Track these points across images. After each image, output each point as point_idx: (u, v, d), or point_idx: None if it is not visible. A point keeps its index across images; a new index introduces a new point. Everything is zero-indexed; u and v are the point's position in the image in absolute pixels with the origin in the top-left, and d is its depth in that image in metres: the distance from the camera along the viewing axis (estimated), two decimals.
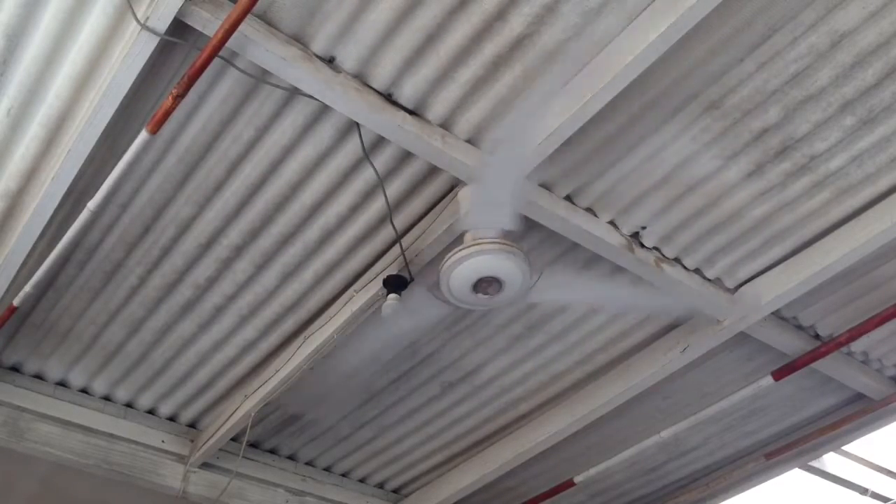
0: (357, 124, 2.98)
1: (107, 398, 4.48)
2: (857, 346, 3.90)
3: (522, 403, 4.41)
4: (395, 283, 3.24)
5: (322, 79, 2.76)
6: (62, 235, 3.24)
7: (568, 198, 3.25)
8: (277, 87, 2.87)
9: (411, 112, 2.94)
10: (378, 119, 2.87)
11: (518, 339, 3.99)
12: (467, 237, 2.84)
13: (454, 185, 3.17)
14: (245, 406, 4.17)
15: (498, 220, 2.73)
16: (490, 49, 2.73)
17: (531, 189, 3.02)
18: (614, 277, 3.52)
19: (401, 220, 3.35)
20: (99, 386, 4.38)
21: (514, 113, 2.66)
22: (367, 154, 3.08)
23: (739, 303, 3.57)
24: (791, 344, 3.80)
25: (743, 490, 4.99)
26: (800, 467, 4.93)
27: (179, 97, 2.68)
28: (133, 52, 2.61)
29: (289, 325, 3.92)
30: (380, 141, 3.07)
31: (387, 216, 3.27)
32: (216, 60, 2.62)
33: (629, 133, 3.00)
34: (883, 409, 4.18)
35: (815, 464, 5.05)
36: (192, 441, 4.66)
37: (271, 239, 3.51)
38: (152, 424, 4.56)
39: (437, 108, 2.94)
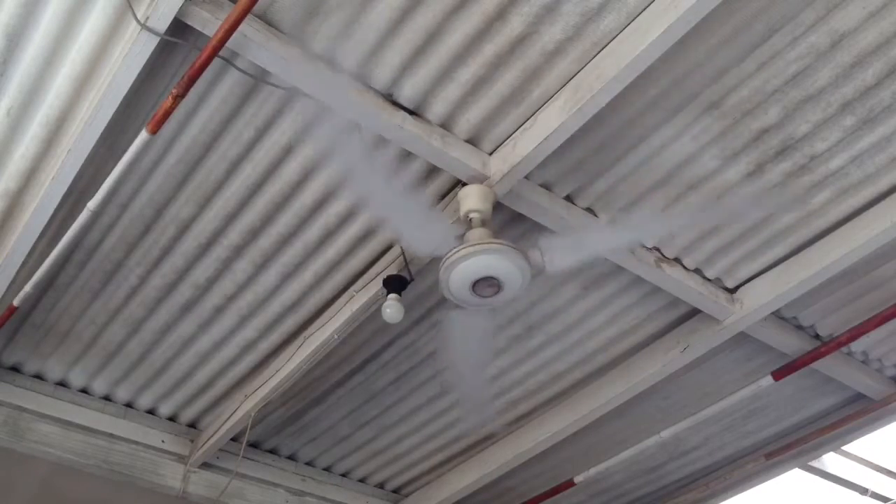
0: (357, 124, 2.98)
1: (107, 398, 4.48)
2: (857, 346, 3.90)
3: (522, 403, 4.41)
4: (395, 283, 3.24)
5: (322, 79, 2.76)
6: (62, 235, 3.24)
7: (568, 198, 3.25)
8: (277, 87, 2.87)
9: (411, 112, 2.94)
10: (378, 119, 2.87)
11: (518, 339, 3.99)
12: (468, 237, 2.84)
13: (454, 185, 3.17)
14: (245, 406, 4.17)
15: (560, 262, 2.80)
16: (490, 49, 2.73)
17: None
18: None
19: None
20: (99, 386, 4.38)
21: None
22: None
23: (739, 303, 3.57)
24: (791, 344, 3.80)
25: (743, 490, 4.99)
26: (800, 467, 4.93)
27: (179, 97, 2.67)
28: (133, 52, 2.60)
29: (289, 325, 3.92)
30: (380, 141, 3.06)
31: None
32: (216, 60, 2.62)
33: (629, 133, 3.00)
34: (883, 409, 4.18)
35: (815, 464, 5.05)
36: (192, 441, 4.66)
37: (271, 239, 3.51)
38: (152, 424, 4.56)
39: (437, 108, 2.94)
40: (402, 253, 3.30)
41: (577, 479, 4.67)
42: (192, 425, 4.67)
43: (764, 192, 3.12)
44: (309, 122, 3.03)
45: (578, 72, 2.76)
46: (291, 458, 4.93)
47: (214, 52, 2.56)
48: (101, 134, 2.86)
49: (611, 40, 2.66)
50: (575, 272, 3.59)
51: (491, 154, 3.07)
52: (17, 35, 2.73)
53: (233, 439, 4.48)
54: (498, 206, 3.06)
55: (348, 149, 2.69)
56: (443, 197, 3.25)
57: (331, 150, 2.81)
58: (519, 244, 2.78)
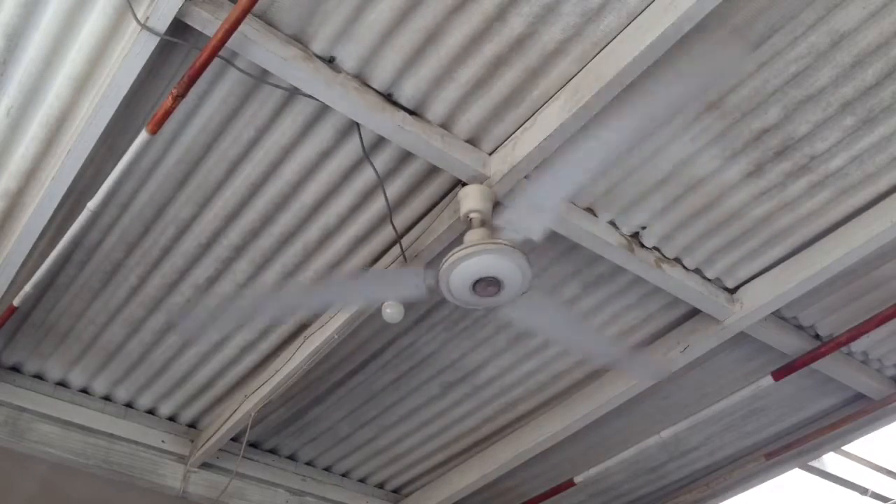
0: (357, 124, 2.98)
1: (107, 398, 4.48)
2: (857, 346, 3.90)
3: (522, 403, 4.41)
4: None
5: (322, 79, 2.76)
6: (62, 235, 3.24)
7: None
8: (277, 87, 2.87)
9: (411, 112, 2.94)
10: (378, 119, 2.88)
11: (518, 339, 3.99)
12: (468, 237, 2.84)
13: (454, 185, 3.17)
14: (245, 406, 4.17)
15: (532, 225, 2.72)
16: (490, 49, 2.73)
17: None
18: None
19: (401, 220, 3.35)
20: (99, 386, 4.38)
21: (592, 142, 2.60)
22: (367, 154, 3.08)
23: (739, 303, 3.57)
24: (791, 344, 3.80)
25: (743, 490, 4.99)
26: (800, 467, 4.93)
27: (179, 97, 2.67)
28: (133, 52, 2.60)
29: (289, 325, 3.92)
30: (380, 141, 3.07)
31: (387, 216, 3.27)
32: (216, 60, 2.62)
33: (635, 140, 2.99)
34: (883, 409, 4.18)
35: (815, 464, 5.05)
36: (192, 441, 4.66)
37: (271, 239, 3.51)
38: (152, 424, 4.56)
39: (437, 108, 2.94)
40: (402, 253, 3.30)
41: (577, 479, 4.67)
42: (192, 425, 4.67)
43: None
44: (309, 122, 3.04)
45: (578, 72, 2.76)
46: (291, 458, 4.93)
47: (214, 52, 2.56)
48: (101, 134, 2.86)
49: (611, 40, 2.65)
50: (575, 272, 3.60)
51: (491, 154, 3.07)
52: (17, 35, 2.73)
53: (233, 439, 4.49)
54: (498, 205, 3.06)
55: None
56: (443, 197, 3.26)
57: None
58: (519, 244, 2.77)
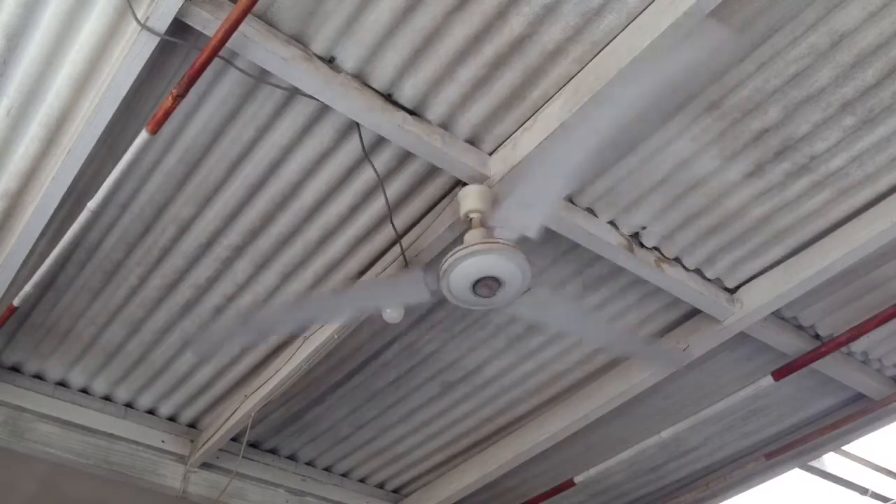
0: (357, 124, 2.98)
1: (107, 398, 4.48)
2: (857, 346, 3.90)
3: (522, 403, 4.41)
4: None
5: (322, 79, 2.76)
6: (62, 235, 3.24)
7: (568, 198, 3.25)
8: (277, 87, 2.87)
9: (411, 112, 2.94)
10: (378, 119, 2.87)
11: (518, 339, 3.99)
12: (468, 237, 2.84)
13: (454, 185, 3.18)
14: (245, 406, 4.17)
15: (525, 223, 2.70)
16: (490, 49, 2.73)
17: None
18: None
19: (401, 220, 3.35)
20: (99, 386, 4.38)
21: (584, 134, 2.55)
22: (367, 154, 3.08)
23: (739, 303, 3.57)
24: (791, 344, 3.80)
25: (743, 490, 4.99)
26: (800, 467, 4.94)
27: (179, 97, 2.67)
28: (133, 52, 2.60)
29: None
30: (380, 141, 3.07)
31: (387, 216, 3.27)
32: (216, 60, 2.62)
33: (629, 133, 3.00)
34: (883, 409, 4.18)
35: (815, 464, 5.05)
36: (192, 441, 4.66)
37: (271, 239, 3.51)
38: (152, 424, 4.56)
39: (437, 108, 2.94)
40: (403, 253, 3.30)
41: (577, 479, 4.67)
42: (192, 425, 4.67)
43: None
44: (309, 122, 3.04)
45: (578, 72, 2.76)
46: (291, 458, 4.93)
47: (214, 52, 2.55)
48: (101, 134, 2.86)
49: (611, 40, 2.65)
50: (575, 272, 3.60)
51: (491, 154, 3.07)
52: (17, 35, 2.73)
53: (233, 439, 4.49)
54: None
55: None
56: (443, 197, 3.26)
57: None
58: (519, 244, 2.77)
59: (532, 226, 2.70)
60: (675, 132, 2.99)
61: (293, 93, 2.89)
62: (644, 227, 3.35)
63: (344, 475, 5.08)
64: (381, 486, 5.17)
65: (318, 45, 2.77)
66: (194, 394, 4.40)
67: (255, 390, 4.12)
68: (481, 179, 3.03)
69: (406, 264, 3.29)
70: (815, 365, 3.84)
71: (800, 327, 3.81)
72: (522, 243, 2.72)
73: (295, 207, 3.37)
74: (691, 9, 2.39)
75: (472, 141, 3.05)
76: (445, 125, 2.99)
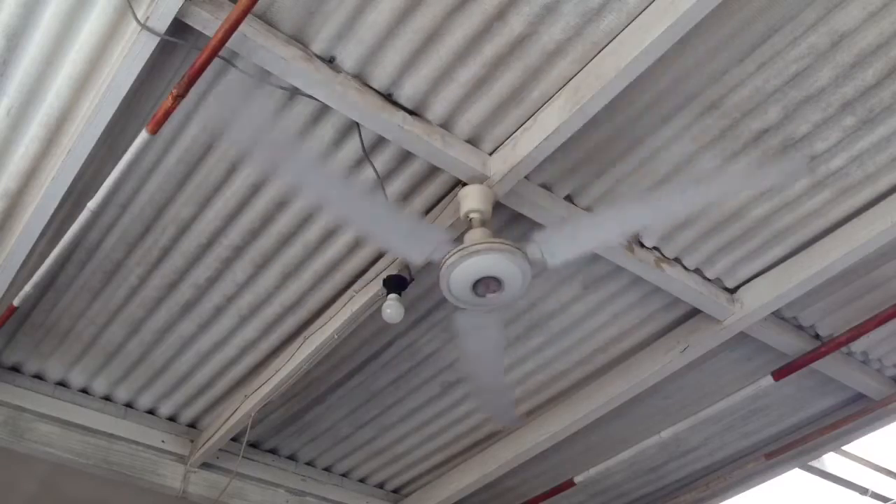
0: (357, 124, 2.98)
1: (107, 398, 4.48)
2: (857, 346, 3.90)
3: (522, 403, 4.41)
4: (395, 283, 3.24)
5: (322, 79, 2.76)
6: (62, 235, 3.24)
7: (568, 198, 3.25)
8: (277, 87, 2.87)
9: (411, 112, 2.94)
10: (378, 119, 2.87)
11: (518, 339, 3.99)
12: (468, 237, 2.84)
13: (454, 185, 3.17)
14: (245, 406, 4.17)
15: (557, 252, 2.73)
16: (490, 49, 2.73)
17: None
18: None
19: None
20: (99, 386, 4.38)
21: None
22: (367, 154, 3.08)
23: (739, 303, 3.57)
24: (791, 344, 3.80)
25: (743, 490, 5.00)
26: (800, 467, 4.94)
27: (179, 97, 2.67)
28: (133, 52, 2.60)
29: (289, 325, 3.92)
30: (380, 141, 3.07)
31: None
32: (216, 60, 2.62)
33: (629, 133, 3.00)
34: (883, 409, 4.19)
35: (815, 464, 5.05)
36: (192, 441, 4.66)
37: (271, 239, 3.51)
38: (152, 424, 4.56)
39: (437, 108, 2.94)
40: None
41: (577, 479, 4.67)
42: (192, 425, 4.67)
43: (754, 169, 3.10)
44: (309, 122, 3.03)
45: (578, 72, 2.76)
46: (291, 458, 4.93)
47: (214, 52, 2.55)
48: (101, 134, 2.86)
49: (611, 40, 2.65)
50: (574, 272, 3.60)
51: (491, 154, 3.07)
52: (17, 35, 2.73)
53: (233, 439, 4.48)
54: (498, 206, 3.06)
55: (318, 176, 2.69)
56: (443, 197, 3.26)
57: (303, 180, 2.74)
58: (519, 244, 2.77)
59: (561, 258, 2.74)
60: (675, 132, 2.99)
61: (293, 93, 2.89)
62: (644, 227, 3.34)
63: (344, 475, 5.08)
64: (380, 486, 5.17)
65: (318, 45, 2.77)
66: (194, 394, 4.40)
67: (255, 390, 4.11)
68: (481, 179, 3.02)
69: (406, 264, 3.29)
70: (815, 365, 3.84)
71: (800, 327, 3.81)
72: (523, 243, 2.73)
73: (295, 207, 3.37)
74: (691, 9, 2.40)
75: (472, 141, 3.05)
76: (445, 125, 2.99)
